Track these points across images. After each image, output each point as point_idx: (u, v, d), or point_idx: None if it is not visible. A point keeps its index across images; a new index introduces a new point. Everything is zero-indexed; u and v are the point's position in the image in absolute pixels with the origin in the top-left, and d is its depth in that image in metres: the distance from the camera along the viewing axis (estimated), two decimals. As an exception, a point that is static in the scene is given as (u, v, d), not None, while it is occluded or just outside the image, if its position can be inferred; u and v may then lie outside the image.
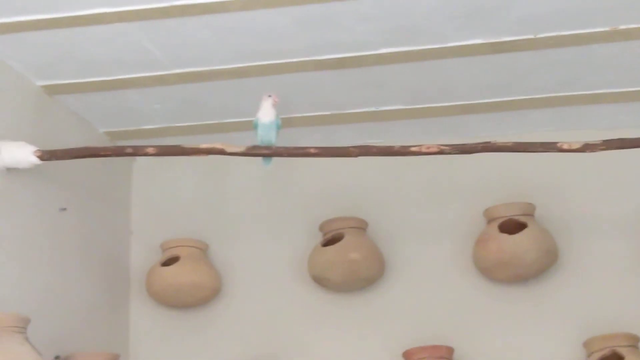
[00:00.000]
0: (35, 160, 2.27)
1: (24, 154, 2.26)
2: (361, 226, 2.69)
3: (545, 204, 2.61)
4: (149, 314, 2.82)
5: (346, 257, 2.62)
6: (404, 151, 2.21)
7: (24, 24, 2.15)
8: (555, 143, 2.15)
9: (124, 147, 2.33)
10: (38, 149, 2.27)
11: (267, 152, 2.26)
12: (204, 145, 2.25)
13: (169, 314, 2.81)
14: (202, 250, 2.78)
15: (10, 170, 2.26)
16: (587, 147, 2.13)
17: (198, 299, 2.74)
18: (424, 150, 2.18)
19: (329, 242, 2.68)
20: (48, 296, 2.41)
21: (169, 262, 2.73)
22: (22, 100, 2.42)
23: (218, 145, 2.25)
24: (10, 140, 2.26)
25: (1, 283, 2.20)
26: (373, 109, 2.61)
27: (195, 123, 2.72)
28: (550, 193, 2.65)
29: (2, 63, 2.32)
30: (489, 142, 2.14)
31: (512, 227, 2.53)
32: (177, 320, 2.81)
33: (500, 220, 2.54)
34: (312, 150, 2.25)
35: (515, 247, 2.48)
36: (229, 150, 2.25)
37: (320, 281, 2.67)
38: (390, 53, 2.31)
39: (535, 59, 2.33)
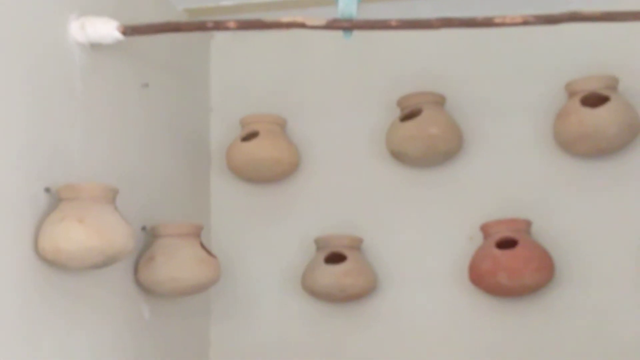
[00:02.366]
0: (118, 35, 2.28)
1: (107, 29, 2.27)
2: (439, 101, 2.68)
3: (629, 77, 2.56)
4: (229, 188, 2.89)
5: (424, 132, 2.62)
6: (487, 23, 2.17)
7: None
8: (646, 12, 2.07)
9: (205, 22, 2.33)
10: (121, 24, 2.29)
11: (347, 25, 2.23)
12: (284, 19, 2.24)
13: (248, 188, 2.87)
14: (281, 126, 2.81)
15: (94, 46, 2.29)
16: (679, 17, 2.07)
17: (277, 173, 2.79)
18: (507, 21, 2.14)
19: (407, 117, 2.68)
20: (134, 170, 2.47)
21: (248, 137, 2.77)
22: (104, -24, 2.44)
23: (299, 19, 2.23)
24: (94, 16, 2.29)
25: (91, 157, 2.27)
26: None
27: (273, -1, 2.72)
28: (634, 66, 2.59)
29: (84, -62, 2.33)
30: (575, 12, 2.09)
31: (594, 101, 2.50)
32: (256, 194, 2.87)
33: (582, 94, 2.50)
34: (393, 23, 2.22)
35: (597, 120, 2.45)
36: (309, 23, 2.23)
37: (399, 156, 2.69)
38: None
39: None
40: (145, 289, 2.44)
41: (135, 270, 2.43)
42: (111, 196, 2.10)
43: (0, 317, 1.88)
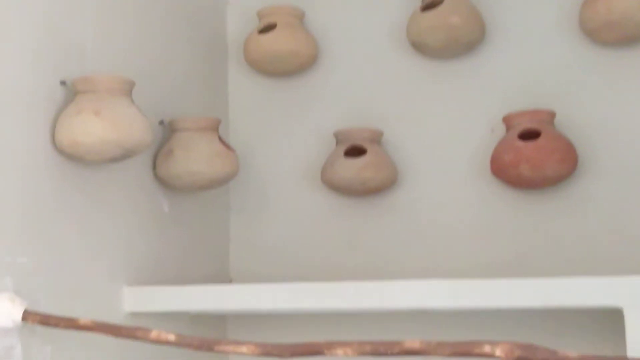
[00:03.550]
0: None
1: None
2: (462, -10, 2.61)
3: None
4: (247, 82, 2.86)
5: (445, 22, 2.55)
6: None
7: None
8: None
9: None
10: None
11: None
12: None
13: (266, 81, 2.84)
14: (299, 18, 2.75)
15: None
16: None
17: (295, 66, 2.74)
18: None
19: (428, 6, 2.60)
20: (151, 63, 2.44)
21: (265, 29, 2.72)
22: None
23: None
24: None
25: (107, 49, 2.23)
26: None
27: None
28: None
29: None
30: None
31: (622, -13, 2.41)
32: (275, 88, 2.84)
33: (610, -20, 2.42)
34: None
35: (625, 6, 2.35)
36: None
37: (419, 47, 2.63)
38: None
39: None
40: (164, 183, 2.43)
41: (154, 164, 2.42)
42: (127, 89, 2.07)
43: (20, 212, 1.89)
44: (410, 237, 2.65)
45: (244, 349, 1.59)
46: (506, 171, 2.46)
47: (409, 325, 2.48)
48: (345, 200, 2.72)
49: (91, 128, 1.95)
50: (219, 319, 2.71)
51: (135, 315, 2.22)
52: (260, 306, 2.18)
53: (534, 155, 2.40)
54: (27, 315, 1.76)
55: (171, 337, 1.65)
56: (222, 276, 2.74)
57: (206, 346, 1.62)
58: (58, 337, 1.93)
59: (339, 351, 1.55)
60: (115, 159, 2.04)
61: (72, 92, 2.05)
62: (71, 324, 1.73)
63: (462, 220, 2.61)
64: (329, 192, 2.72)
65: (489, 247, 2.57)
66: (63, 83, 2.05)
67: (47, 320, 1.75)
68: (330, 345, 1.56)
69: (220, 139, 2.44)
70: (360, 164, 2.58)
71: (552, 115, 2.47)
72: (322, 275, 2.65)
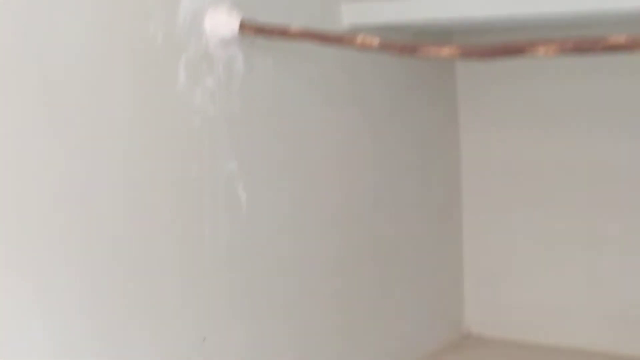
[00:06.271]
0: None
1: None
2: None
3: None
4: None
5: None
6: None
7: None
8: None
9: None
10: None
11: None
12: None
13: None
14: None
15: None
16: None
17: None
18: None
19: None
20: None
21: None
22: None
23: None
24: None
25: None
26: None
27: None
28: None
29: None
30: None
31: None
32: None
33: None
34: None
35: None
36: None
37: None
38: None
39: None
40: None
41: None
42: None
43: None
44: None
45: (445, 50, 1.60)
46: None
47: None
48: None
49: None
50: (444, 35, 2.71)
51: (354, 28, 2.26)
52: (479, 13, 2.14)
53: None
54: (243, 25, 1.84)
55: (375, 41, 1.69)
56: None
57: (409, 49, 1.65)
58: (279, 50, 2.02)
59: (541, 49, 1.52)
60: None
61: None
62: (283, 32, 1.81)
63: None
64: None
65: None
66: None
67: (262, 30, 1.83)
68: (532, 44, 1.53)
69: None
70: None
71: None
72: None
